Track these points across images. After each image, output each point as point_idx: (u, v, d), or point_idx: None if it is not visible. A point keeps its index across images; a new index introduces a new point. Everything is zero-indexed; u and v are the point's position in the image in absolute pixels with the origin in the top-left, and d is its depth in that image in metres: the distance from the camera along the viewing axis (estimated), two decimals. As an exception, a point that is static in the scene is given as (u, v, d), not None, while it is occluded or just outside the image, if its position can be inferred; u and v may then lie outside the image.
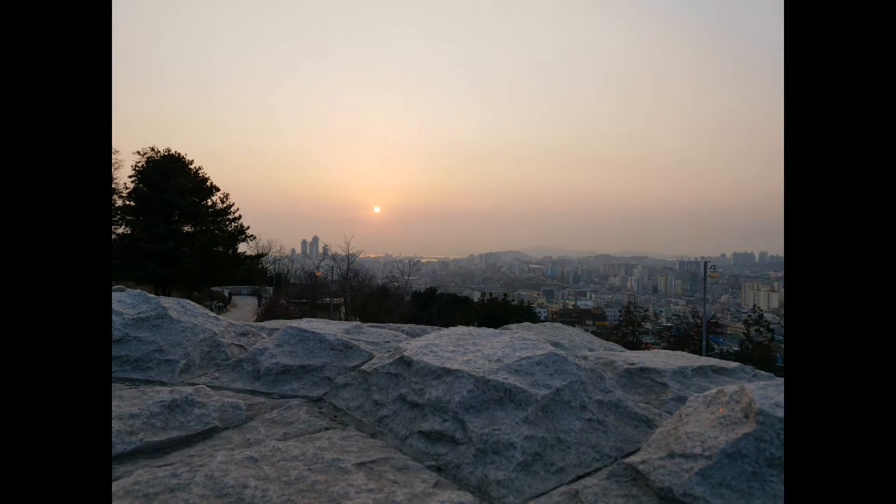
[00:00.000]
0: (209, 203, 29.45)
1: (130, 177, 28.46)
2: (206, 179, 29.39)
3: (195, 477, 0.83)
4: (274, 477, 0.85)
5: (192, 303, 1.84)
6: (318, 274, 32.25)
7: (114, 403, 1.08)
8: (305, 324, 1.68)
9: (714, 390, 0.95)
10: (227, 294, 35.94)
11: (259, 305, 29.31)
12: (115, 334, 1.50)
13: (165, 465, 0.89)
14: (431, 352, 1.27)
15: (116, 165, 30.20)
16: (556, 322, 2.39)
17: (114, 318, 1.54)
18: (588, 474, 0.91)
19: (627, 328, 22.26)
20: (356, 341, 1.57)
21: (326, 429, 1.12)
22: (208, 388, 1.25)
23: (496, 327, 1.69)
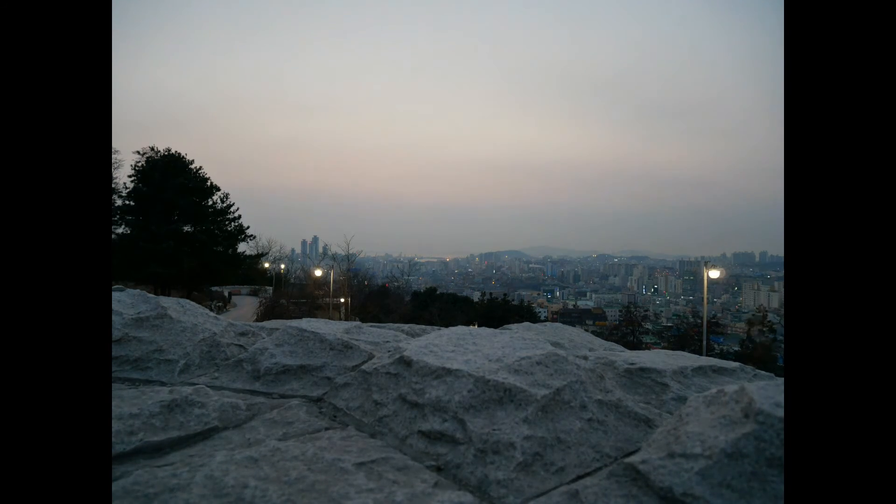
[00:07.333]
0: (209, 203, 29.45)
1: (130, 177, 28.47)
2: (207, 179, 29.39)
3: (195, 477, 0.83)
4: (274, 477, 0.85)
5: (192, 303, 1.84)
6: (318, 274, 32.25)
7: (114, 403, 1.08)
8: (305, 324, 1.68)
9: (714, 390, 0.95)
10: (227, 294, 35.95)
11: (259, 304, 29.33)
12: (115, 334, 1.50)
13: (165, 465, 0.89)
14: (431, 352, 1.27)
15: (116, 165, 30.21)
16: (557, 322, 2.39)
17: (113, 317, 1.54)
18: (588, 474, 0.91)
19: (627, 328, 22.28)
20: (356, 341, 1.57)
21: (326, 429, 1.12)
22: (208, 388, 1.25)
23: (496, 327, 1.69)
